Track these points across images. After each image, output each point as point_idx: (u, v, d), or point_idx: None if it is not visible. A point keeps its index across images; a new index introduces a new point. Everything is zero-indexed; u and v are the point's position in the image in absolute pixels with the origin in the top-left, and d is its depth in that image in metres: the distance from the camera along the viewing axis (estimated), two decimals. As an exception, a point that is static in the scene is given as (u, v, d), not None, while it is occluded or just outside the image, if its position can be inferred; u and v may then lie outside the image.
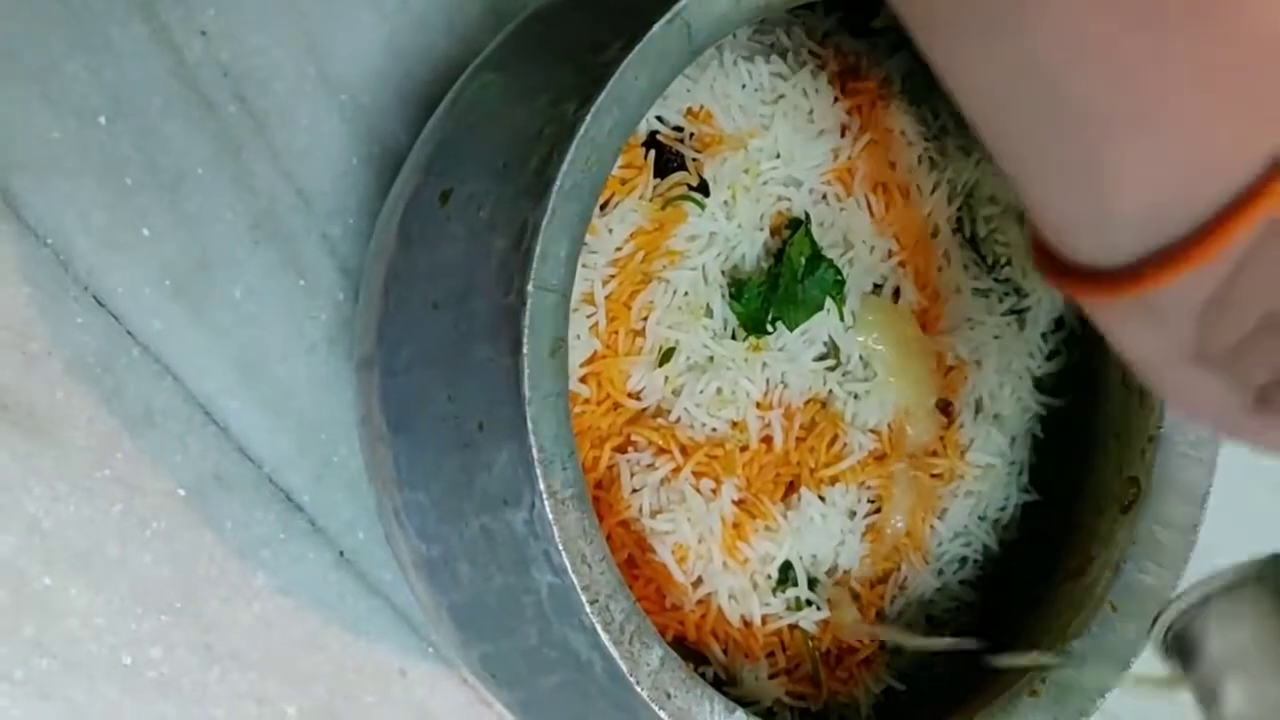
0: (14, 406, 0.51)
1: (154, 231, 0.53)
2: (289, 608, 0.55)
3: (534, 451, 0.39)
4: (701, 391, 0.51)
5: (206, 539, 0.54)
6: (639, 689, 0.40)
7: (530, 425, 0.39)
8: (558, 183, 0.39)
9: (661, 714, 0.41)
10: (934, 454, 0.57)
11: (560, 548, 0.39)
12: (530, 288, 0.39)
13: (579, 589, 0.39)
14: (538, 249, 0.39)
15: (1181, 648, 0.44)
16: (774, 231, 0.53)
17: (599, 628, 0.40)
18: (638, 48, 0.42)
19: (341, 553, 0.57)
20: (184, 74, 0.54)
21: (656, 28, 0.42)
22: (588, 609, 0.39)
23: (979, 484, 0.58)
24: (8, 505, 0.50)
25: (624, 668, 0.40)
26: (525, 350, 0.39)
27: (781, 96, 0.53)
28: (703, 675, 0.50)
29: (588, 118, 0.40)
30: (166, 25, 0.53)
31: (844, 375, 0.54)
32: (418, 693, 0.58)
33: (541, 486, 0.39)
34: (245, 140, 0.55)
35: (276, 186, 0.55)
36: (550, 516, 0.39)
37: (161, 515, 0.53)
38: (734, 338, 0.52)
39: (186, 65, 0.54)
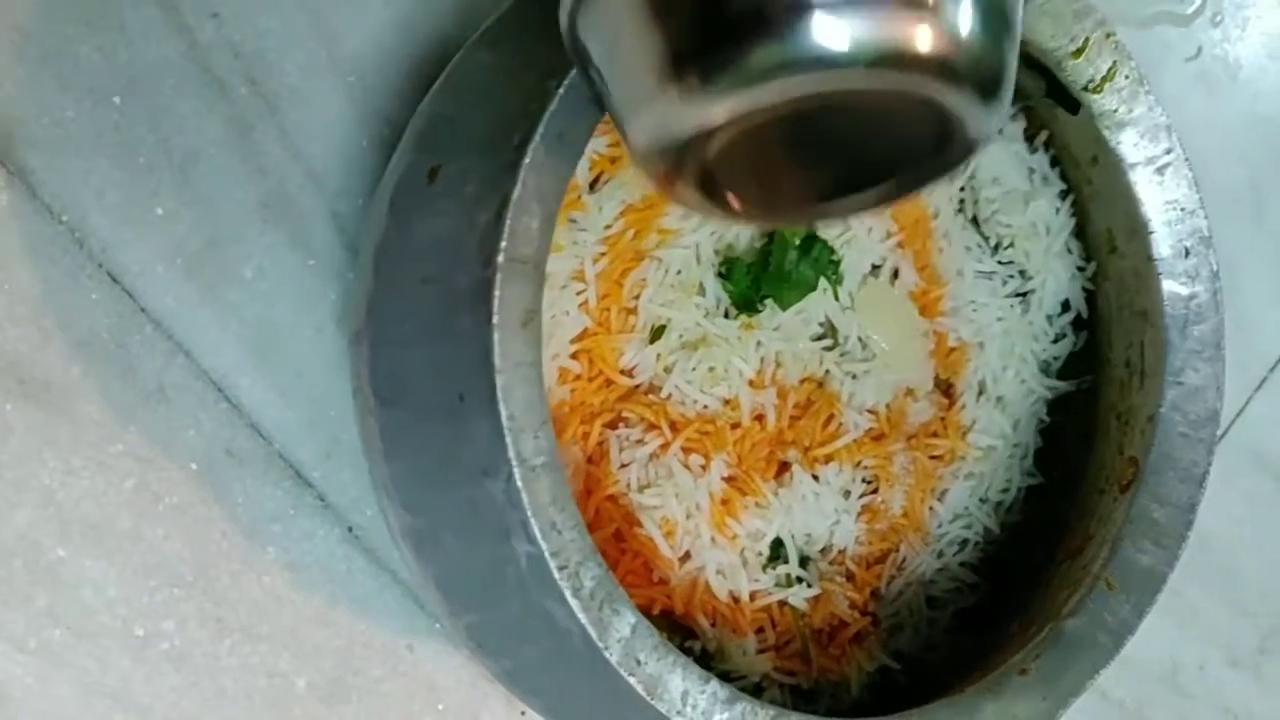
0: (29, 381, 0.52)
1: (166, 210, 0.54)
2: (299, 582, 0.56)
3: (504, 420, 0.39)
4: (693, 369, 0.51)
5: (218, 513, 0.55)
6: (608, 655, 0.40)
7: (500, 394, 0.39)
8: (527, 156, 0.40)
9: (631, 680, 0.41)
10: (934, 435, 0.56)
11: (530, 514, 0.40)
12: (501, 259, 0.40)
13: (548, 554, 0.40)
14: (508, 221, 0.40)
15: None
16: (770, 211, 0.53)
17: (568, 594, 0.40)
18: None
19: (350, 529, 0.57)
20: (196, 55, 0.54)
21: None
22: (556, 575, 0.40)
23: (980, 465, 0.58)
24: (23, 477, 0.52)
25: (593, 634, 0.40)
26: (495, 321, 0.39)
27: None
28: (690, 649, 0.50)
29: (559, 90, 0.40)
30: (178, 7, 0.54)
31: (842, 355, 0.54)
32: (424, 668, 0.58)
33: (511, 454, 0.39)
34: (256, 121, 0.55)
35: (286, 167, 0.56)
36: (520, 484, 0.40)
37: (173, 489, 0.54)
38: (727, 316, 0.52)
39: (198, 47, 0.54)
